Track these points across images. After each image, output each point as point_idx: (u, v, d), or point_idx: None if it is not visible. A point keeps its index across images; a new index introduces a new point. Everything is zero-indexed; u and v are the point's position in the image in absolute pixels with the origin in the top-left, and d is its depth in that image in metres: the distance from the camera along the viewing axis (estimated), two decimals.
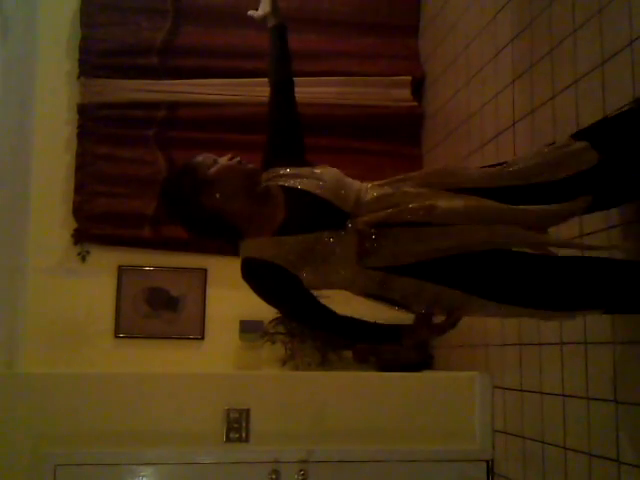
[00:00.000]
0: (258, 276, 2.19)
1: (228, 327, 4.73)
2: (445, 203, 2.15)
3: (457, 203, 2.15)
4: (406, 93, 5.21)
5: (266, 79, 5.09)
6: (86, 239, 4.87)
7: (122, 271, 4.88)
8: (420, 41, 5.37)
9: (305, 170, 2.29)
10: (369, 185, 2.26)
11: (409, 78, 5.21)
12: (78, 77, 5.03)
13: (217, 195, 2.18)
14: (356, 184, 2.26)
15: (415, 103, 5.20)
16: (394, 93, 5.21)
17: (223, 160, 2.23)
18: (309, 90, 5.11)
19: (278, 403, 3.97)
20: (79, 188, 4.89)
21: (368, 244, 2.12)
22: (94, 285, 4.86)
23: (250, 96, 5.08)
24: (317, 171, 2.27)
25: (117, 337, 4.82)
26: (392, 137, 5.22)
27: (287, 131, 2.49)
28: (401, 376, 4.15)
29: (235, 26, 5.21)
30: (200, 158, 2.24)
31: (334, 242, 2.11)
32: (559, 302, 2.21)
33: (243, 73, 5.14)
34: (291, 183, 2.24)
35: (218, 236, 2.33)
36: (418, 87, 5.25)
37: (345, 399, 3.98)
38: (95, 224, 4.88)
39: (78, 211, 4.87)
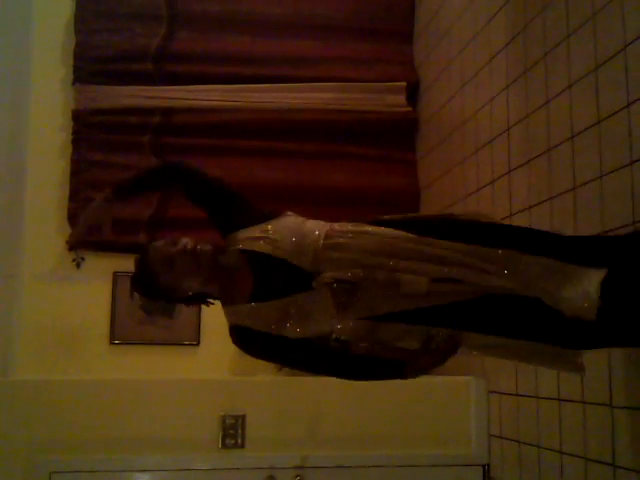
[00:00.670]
0: (246, 341, 2.25)
1: (224, 333, 4.69)
2: (408, 278, 2.09)
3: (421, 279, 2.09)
4: (401, 99, 5.22)
5: (263, 85, 5.18)
6: (81, 245, 4.86)
7: (117, 277, 4.86)
8: (414, 46, 5.39)
9: (257, 230, 2.23)
10: (323, 234, 2.18)
11: (404, 84, 5.22)
12: (73, 83, 5.03)
13: (186, 290, 2.26)
14: (312, 233, 2.18)
15: (409, 108, 5.22)
16: (389, 99, 5.22)
17: (179, 247, 2.22)
18: (304, 95, 5.14)
19: (274, 409, 3.97)
20: (74, 194, 4.88)
21: (343, 298, 2.11)
22: (89, 291, 4.84)
23: (245, 102, 5.10)
24: (270, 229, 2.20)
25: (112, 343, 4.81)
26: (387, 142, 5.23)
27: (218, 203, 2.40)
28: (396, 381, 4.13)
29: (230, 32, 5.23)
30: (158, 250, 2.25)
31: (307, 301, 2.12)
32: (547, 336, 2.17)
33: (238, 79, 5.15)
34: (248, 247, 2.20)
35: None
36: (413, 92, 5.26)
37: (341, 404, 3.98)
38: (90, 230, 4.85)
39: (73, 217, 4.85)
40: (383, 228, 2.19)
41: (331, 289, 2.10)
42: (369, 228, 2.20)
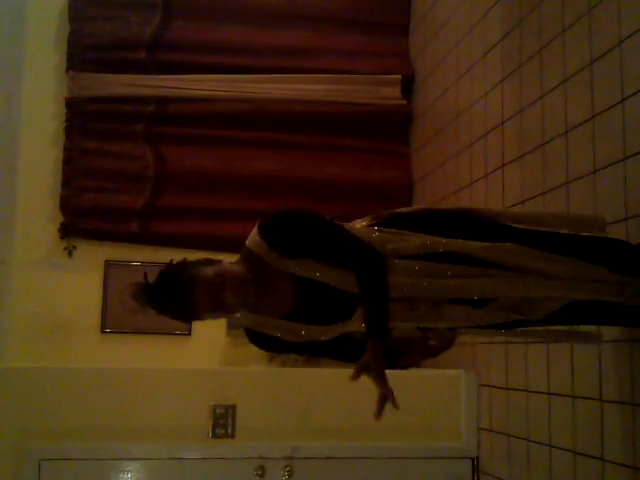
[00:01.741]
0: (264, 342, 2.25)
1: (215, 323, 4.69)
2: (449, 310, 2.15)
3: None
4: (396, 92, 5.21)
5: (257, 75, 5.16)
6: (73, 234, 4.85)
7: (109, 266, 4.85)
8: (410, 39, 5.37)
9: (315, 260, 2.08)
10: None
11: (399, 77, 5.21)
12: (66, 71, 5.01)
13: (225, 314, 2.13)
14: None
15: (404, 101, 5.21)
16: (384, 91, 5.22)
17: (228, 293, 2.03)
18: (298, 87, 5.13)
19: (264, 399, 3.97)
20: (66, 182, 4.87)
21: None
22: (81, 280, 4.83)
23: (239, 92, 5.09)
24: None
25: (103, 332, 4.81)
26: (381, 135, 5.23)
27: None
28: (387, 373, 4.13)
29: (225, 22, 5.21)
30: (205, 289, 2.02)
31: (343, 326, 2.14)
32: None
33: (232, 69, 5.13)
34: (305, 273, 2.08)
35: None
36: (407, 85, 5.25)
37: (331, 396, 3.98)
38: (82, 219, 4.86)
39: (65, 205, 4.84)
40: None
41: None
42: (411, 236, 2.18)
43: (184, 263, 2.10)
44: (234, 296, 2.03)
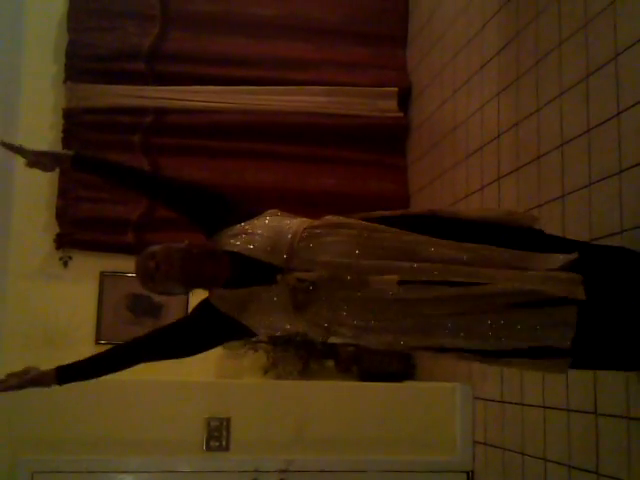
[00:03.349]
0: (204, 313, 2.45)
1: None
2: (377, 278, 2.12)
3: (392, 278, 2.10)
4: (392, 104, 5.22)
5: (255, 87, 5.16)
6: (69, 244, 4.84)
7: (104, 277, 4.85)
8: (407, 52, 5.39)
9: (240, 228, 2.32)
10: (303, 230, 2.24)
11: (395, 89, 5.22)
12: (64, 81, 5.02)
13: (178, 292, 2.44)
14: (290, 232, 2.24)
15: (401, 114, 5.22)
16: (380, 104, 5.23)
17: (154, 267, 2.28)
18: (296, 98, 5.13)
19: (259, 412, 3.96)
20: (63, 193, 4.87)
21: (301, 297, 2.18)
22: (76, 291, 4.82)
23: (237, 104, 5.09)
24: (247, 228, 2.30)
25: (98, 343, 4.78)
26: (378, 147, 5.24)
27: (201, 206, 2.47)
28: (382, 386, 4.14)
29: (224, 33, 5.22)
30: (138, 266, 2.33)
31: (267, 295, 2.23)
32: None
33: (231, 80, 5.14)
34: (228, 246, 2.31)
35: None
36: (404, 98, 5.26)
37: (326, 408, 3.97)
38: (78, 229, 4.85)
39: (61, 216, 4.84)
40: (364, 222, 2.26)
41: (290, 288, 2.18)
42: (350, 220, 2.26)
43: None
44: (204, 250, 2.29)
